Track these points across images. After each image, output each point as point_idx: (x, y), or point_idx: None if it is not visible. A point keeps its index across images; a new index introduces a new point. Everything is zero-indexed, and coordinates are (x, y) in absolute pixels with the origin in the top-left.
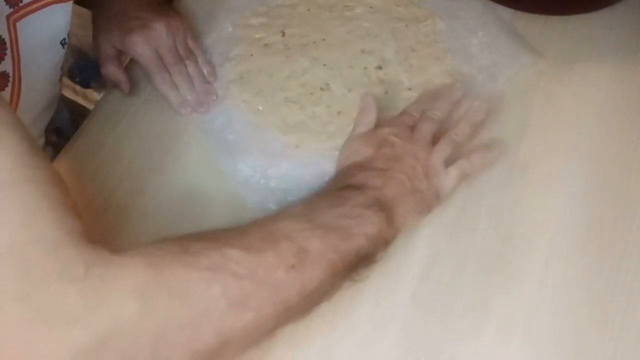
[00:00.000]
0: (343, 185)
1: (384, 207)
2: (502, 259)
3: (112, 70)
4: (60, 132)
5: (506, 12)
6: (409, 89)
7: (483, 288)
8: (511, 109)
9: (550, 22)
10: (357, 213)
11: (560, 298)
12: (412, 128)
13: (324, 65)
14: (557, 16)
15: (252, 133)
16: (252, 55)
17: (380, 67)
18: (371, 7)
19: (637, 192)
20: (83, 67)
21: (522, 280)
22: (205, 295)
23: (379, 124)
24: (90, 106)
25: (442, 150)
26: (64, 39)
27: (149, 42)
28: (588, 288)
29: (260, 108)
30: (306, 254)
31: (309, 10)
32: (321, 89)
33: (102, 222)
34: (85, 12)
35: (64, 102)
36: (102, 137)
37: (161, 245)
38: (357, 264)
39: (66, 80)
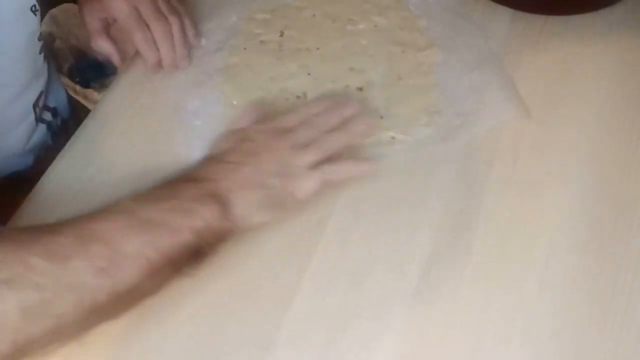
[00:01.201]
0: (186, 178)
1: (218, 200)
2: (502, 259)
3: (101, 43)
4: (56, 112)
5: (506, 12)
6: (381, 117)
7: (483, 288)
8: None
9: (550, 22)
10: (187, 207)
11: (560, 298)
12: (289, 130)
13: (309, 74)
14: (557, 16)
15: (218, 126)
16: (245, 49)
17: (361, 89)
18: (375, 26)
19: (637, 192)
20: (83, 67)
21: (522, 280)
22: None
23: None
24: (90, 106)
25: (310, 153)
26: (34, 5)
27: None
28: (588, 288)
29: (235, 103)
30: (120, 256)
31: (313, 16)
32: (297, 97)
33: None
34: None
35: (60, 83)
36: (102, 137)
37: None
38: (187, 258)
39: (66, 80)
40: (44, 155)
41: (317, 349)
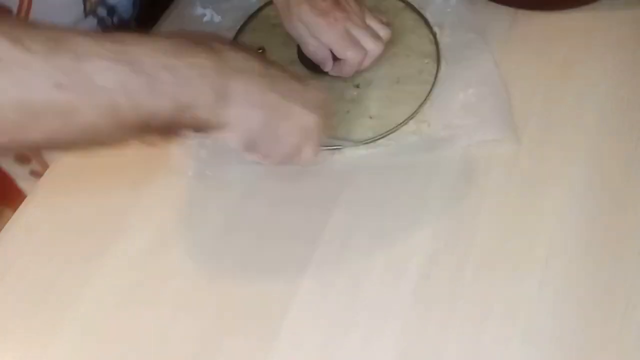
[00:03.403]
0: (211, 38)
1: (219, 88)
2: (502, 259)
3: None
4: (114, 10)
5: (506, 12)
6: (370, 117)
7: (483, 287)
8: (510, 109)
9: (550, 21)
10: (186, 74)
11: (560, 298)
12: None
13: None
14: (557, 15)
15: None
16: (254, 30)
17: (358, 86)
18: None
19: (637, 192)
20: None
21: (522, 280)
22: None
23: None
24: None
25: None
26: None
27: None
28: (588, 288)
29: None
30: (84, 79)
31: None
32: None
33: (103, 222)
34: None
35: None
36: None
37: None
38: (157, 128)
39: None
40: None
41: (317, 349)
